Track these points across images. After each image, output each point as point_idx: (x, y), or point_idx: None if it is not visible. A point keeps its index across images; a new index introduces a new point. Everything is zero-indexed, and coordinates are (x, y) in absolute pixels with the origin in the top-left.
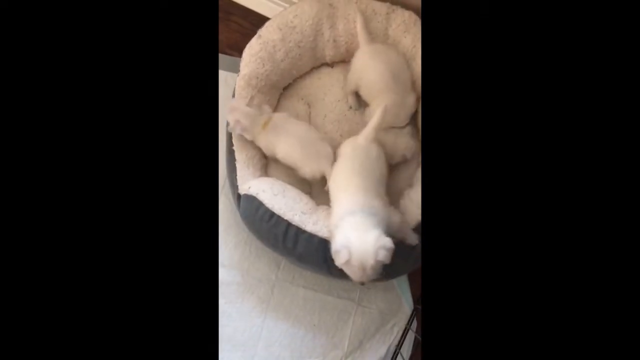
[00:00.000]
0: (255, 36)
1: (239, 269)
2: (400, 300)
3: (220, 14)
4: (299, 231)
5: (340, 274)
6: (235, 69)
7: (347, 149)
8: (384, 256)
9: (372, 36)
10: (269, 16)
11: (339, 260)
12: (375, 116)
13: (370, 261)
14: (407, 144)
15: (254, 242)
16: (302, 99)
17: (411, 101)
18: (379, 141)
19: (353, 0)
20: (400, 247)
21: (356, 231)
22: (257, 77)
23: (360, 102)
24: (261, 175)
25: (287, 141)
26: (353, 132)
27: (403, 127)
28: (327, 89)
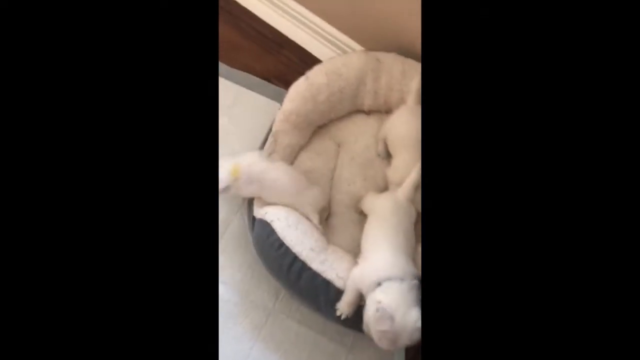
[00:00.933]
0: (304, 77)
1: (239, 290)
2: (392, 357)
3: (273, 47)
4: (304, 267)
5: (335, 319)
6: (277, 99)
7: (387, 204)
8: (417, 338)
9: (411, 94)
10: (316, 55)
11: (380, 327)
12: (414, 173)
13: (405, 340)
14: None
15: (259, 267)
16: (333, 139)
17: None
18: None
19: (399, 59)
20: None
21: (400, 305)
22: (297, 114)
23: (387, 152)
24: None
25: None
26: (377, 178)
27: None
28: (359, 134)
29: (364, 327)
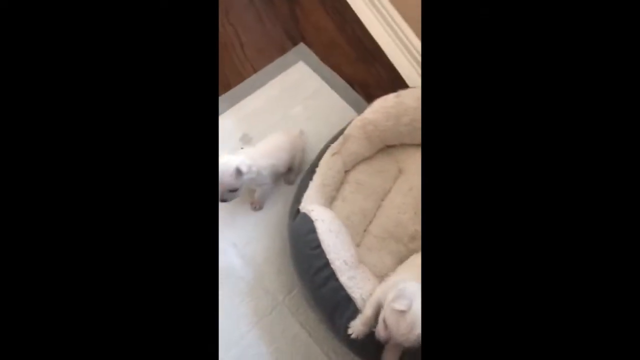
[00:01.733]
0: (394, 94)
1: (255, 272)
2: None
3: (368, 57)
4: (333, 276)
5: (343, 337)
6: (354, 106)
7: None
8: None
9: None
10: (403, 76)
11: (398, 306)
12: None
13: (418, 330)
14: None
15: (284, 258)
16: (397, 163)
17: None
18: None
19: None
20: None
21: (418, 296)
22: (375, 127)
23: None
24: (325, 205)
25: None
26: None
27: None
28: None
29: (377, 329)
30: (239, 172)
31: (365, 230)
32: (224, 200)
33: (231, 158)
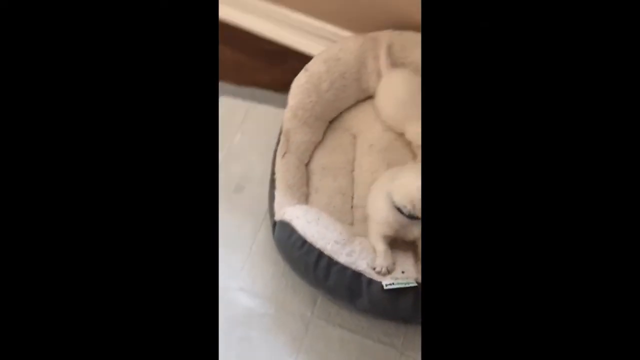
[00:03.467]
0: (303, 69)
1: (274, 301)
2: None
3: (277, 58)
4: (331, 262)
5: (376, 313)
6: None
7: None
8: None
9: (413, 66)
10: (308, 52)
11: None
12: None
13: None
14: None
15: (292, 275)
16: (348, 131)
17: None
18: None
19: (395, 34)
20: None
21: None
22: (303, 108)
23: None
24: (299, 204)
25: None
26: (400, 160)
27: None
28: (373, 119)
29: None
30: None
31: (352, 207)
32: None
33: None
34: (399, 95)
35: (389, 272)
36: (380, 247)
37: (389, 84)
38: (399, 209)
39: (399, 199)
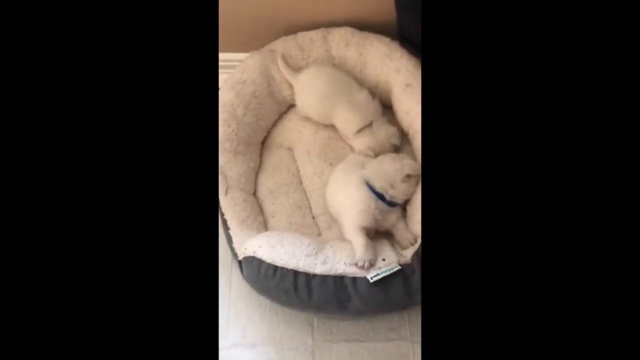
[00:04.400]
0: None
1: (271, 342)
2: None
3: None
4: (309, 277)
5: (370, 310)
6: None
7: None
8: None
9: (318, 62)
10: None
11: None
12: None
13: None
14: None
15: (279, 308)
16: (282, 146)
17: (362, 97)
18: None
19: (288, 38)
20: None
21: None
22: (229, 139)
23: None
24: (258, 233)
25: None
26: (340, 153)
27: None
28: (300, 126)
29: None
30: None
31: (313, 218)
32: None
33: None
34: (320, 89)
35: (371, 265)
36: (360, 240)
37: (305, 85)
38: (380, 196)
39: (381, 185)
